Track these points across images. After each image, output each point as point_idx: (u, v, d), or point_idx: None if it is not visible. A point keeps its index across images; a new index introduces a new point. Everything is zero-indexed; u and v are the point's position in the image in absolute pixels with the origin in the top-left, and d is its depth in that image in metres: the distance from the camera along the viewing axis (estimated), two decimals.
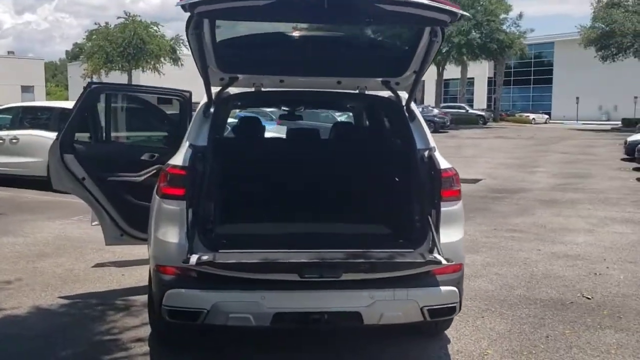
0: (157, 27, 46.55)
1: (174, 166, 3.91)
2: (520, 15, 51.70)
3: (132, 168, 5.31)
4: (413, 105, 4.36)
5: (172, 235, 3.79)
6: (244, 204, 4.69)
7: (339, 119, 17.18)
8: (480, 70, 62.89)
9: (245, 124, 5.81)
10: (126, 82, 40.22)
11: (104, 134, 5.94)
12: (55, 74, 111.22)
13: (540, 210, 10.64)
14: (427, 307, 3.72)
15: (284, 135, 6.53)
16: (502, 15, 50.09)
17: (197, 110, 4.25)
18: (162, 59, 46.36)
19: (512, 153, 23.14)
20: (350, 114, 7.09)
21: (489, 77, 67.00)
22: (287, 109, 6.27)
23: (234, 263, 3.54)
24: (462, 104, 53.81)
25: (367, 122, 5.90)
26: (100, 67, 45.32)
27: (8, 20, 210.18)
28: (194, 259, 3.47)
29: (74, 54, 70.19)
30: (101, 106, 5.86)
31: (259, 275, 3.63)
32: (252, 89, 4.44)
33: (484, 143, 28.73)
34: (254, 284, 3.61)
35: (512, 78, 68.67)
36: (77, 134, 5.50)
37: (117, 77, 43.31)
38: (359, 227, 4.45)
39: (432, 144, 4.12)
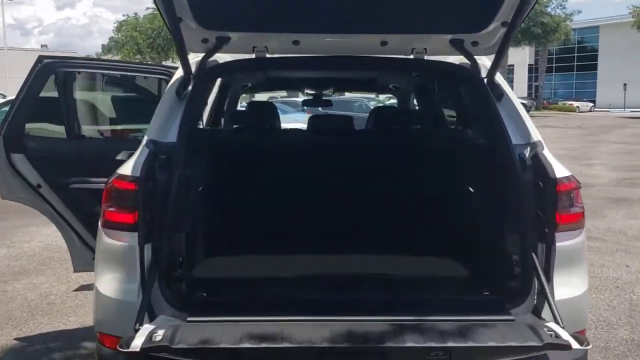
0: None
1: (121, 177, 2.57)
2: None
3: (107, 171, 3.98)
4: (499, 77, 2.93)
5: (116, 287, 2.47)
6: (237, 232, 3.32)
7: (372, 106, 15.56)
8: (521, 57, 60.42)
9: (252, 111, 4.38)
10: None
11: (75, 126, 4.61)
12: None
13: (611, 211, 9.18)
14: None
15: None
16: None
17: (167, 89, 2.90)
18: None
19: (563, 143, 21.47)
20: (391, 97, 5.55)
21: (529, 64, 64.56)
22: (306, 88, 4.73)
23: (207, 349, 2.13)
24: None
25: (425, 104, 4.37)
26: (130, 58, 44.63)
27: (49, 17, 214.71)
28: (140, 337, 2.11)
29: (109, 47, 70.25)
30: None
31: None
32: (253, 56, 3.03)
33: None
34: None
35: (554, 65, 66.48)
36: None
37: None
38: (417, 265, 3.03)
39: (537, 136, 2.71)
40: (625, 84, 55.10)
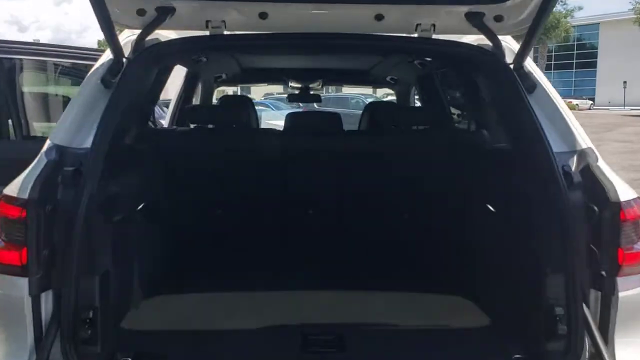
0: None
1: (6, 199, 1.90)
2: None
3: None
4: (530, 64, 2.28)
5: (1, 353, 1.81)
6: (185, 266, 2.66)
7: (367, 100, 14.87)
8: None
9: (220, 107, 3.67)
10: None
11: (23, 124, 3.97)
12: None
13: None
14: None
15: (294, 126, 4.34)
16: None
17: (88, 76, 2.22)
18: None
19: None
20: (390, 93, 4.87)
21: None
22: (284, 78, 4.02)
23: None
24: None
25: (431, 98, 3.69)
26: None
27: (46, 12, 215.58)
28: None
29: (104, 43, 70.55)
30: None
31: None
32: (207, 33, 2.34)
33: None
34: None
35: (552, 62, 66.36)
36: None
37: None
38: (422, 311, 2.39)
39: (586, 142, 2.06)
40: (625, 82, 54.93)
